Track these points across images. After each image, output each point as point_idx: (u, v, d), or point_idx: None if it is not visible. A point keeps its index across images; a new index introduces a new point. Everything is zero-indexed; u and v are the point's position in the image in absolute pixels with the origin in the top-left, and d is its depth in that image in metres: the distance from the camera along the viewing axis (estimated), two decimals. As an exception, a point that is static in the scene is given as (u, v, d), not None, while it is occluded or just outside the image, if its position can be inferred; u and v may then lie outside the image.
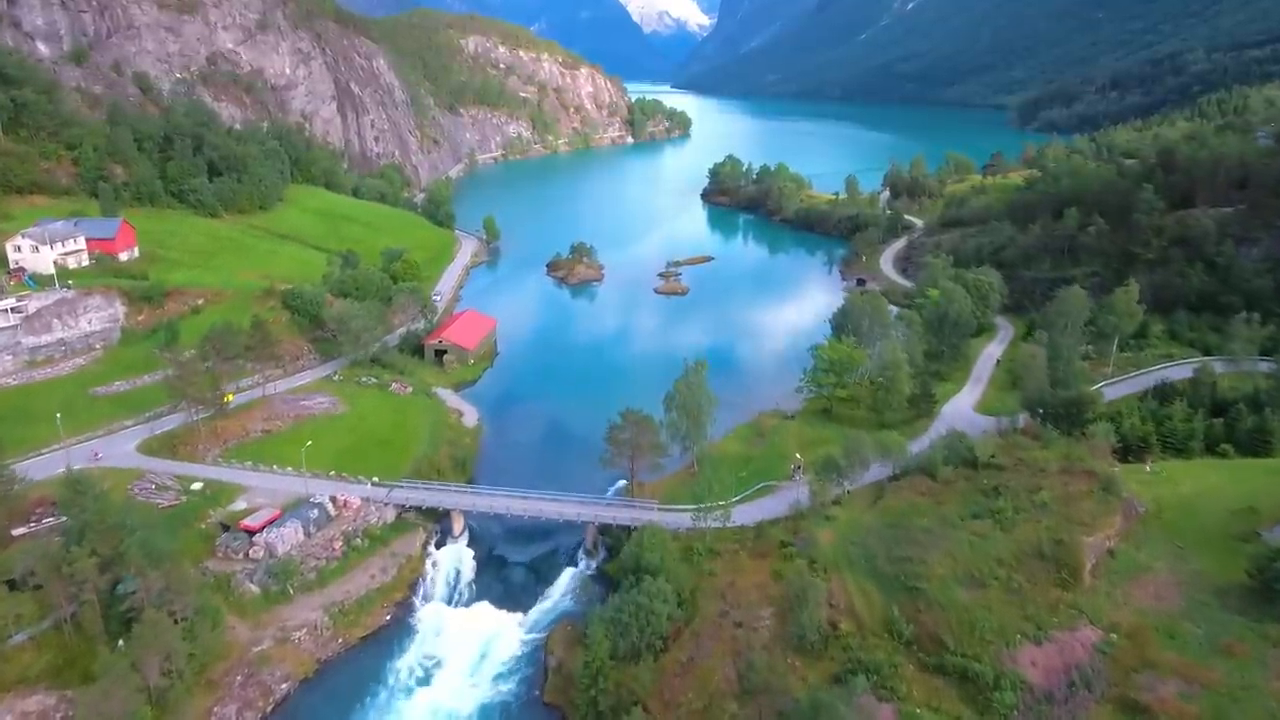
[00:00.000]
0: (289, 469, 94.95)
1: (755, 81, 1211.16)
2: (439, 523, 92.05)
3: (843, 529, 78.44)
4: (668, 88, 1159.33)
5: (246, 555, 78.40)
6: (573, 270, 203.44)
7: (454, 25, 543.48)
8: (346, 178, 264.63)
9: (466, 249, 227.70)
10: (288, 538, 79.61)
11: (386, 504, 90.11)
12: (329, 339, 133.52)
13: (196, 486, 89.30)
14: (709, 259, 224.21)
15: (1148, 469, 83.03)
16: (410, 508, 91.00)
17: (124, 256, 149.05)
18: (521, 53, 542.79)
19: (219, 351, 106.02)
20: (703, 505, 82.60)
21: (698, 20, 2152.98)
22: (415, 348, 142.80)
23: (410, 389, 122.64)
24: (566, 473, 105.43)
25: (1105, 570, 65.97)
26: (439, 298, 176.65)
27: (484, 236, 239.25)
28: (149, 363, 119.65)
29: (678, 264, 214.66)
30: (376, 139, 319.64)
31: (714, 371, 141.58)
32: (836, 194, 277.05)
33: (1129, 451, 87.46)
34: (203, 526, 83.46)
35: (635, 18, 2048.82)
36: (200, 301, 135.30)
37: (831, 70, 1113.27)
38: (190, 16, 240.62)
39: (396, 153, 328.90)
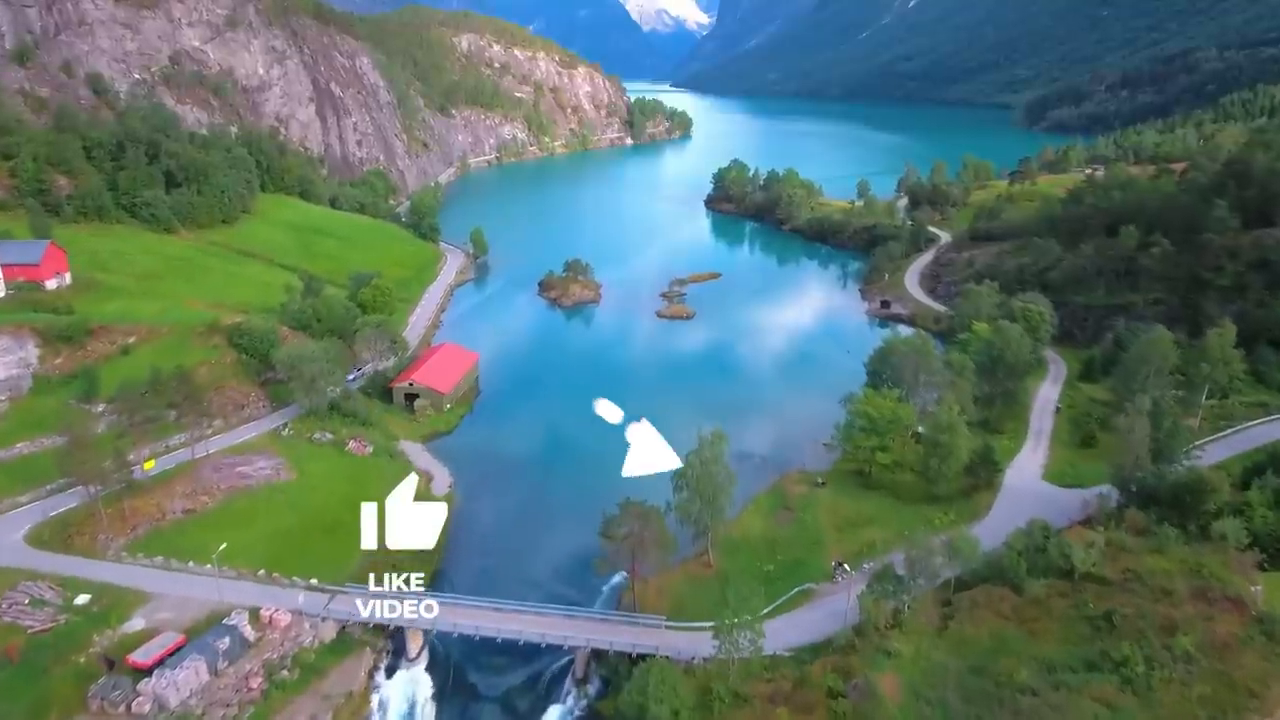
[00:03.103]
0: (209, 566, 76.43)
1: (755, 80, 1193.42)
2: (391, 638, 73.72)
3: (910, 672, 60.04)
4: (667, 86, 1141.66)
5: (129, 709, 59.86)
6: (567, 290, 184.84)
7: (447, 23, 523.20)
8: (324, 185, 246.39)
9: (451, 265, 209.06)
10: (185, 683, 61.06)
11: (324, 618, 71.58)
12: (282, 381, 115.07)
13: (82, 600, 70.64)
14: (715, 276, 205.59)
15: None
16: (355, 623, 72.43)
17: (52, 284, 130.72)
18: (517, 51, 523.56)
19: (131, 414, 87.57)
20: (725, 623, 64.11)
21: (697, 19, 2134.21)
22: (383, 389, 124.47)
23: (370, 448, 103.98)
24: (554, 554, 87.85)
25: (1292, 768, 47.68)
26: (414, 325, 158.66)
27: (471, 250, 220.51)
28: (65, 418, 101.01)
29: (682, 282, 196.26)
30: (359, 143, 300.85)
31: (725, 415, 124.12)
32: (852, 202, 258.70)
33: (1266, 557, 68.80)
34: (81, 660, 64.87)
35: (634, 16, 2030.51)
36: (131, 340, 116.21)
37: (832, 69, 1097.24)
38: (150, 12, 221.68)
39: (381, 157, 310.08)
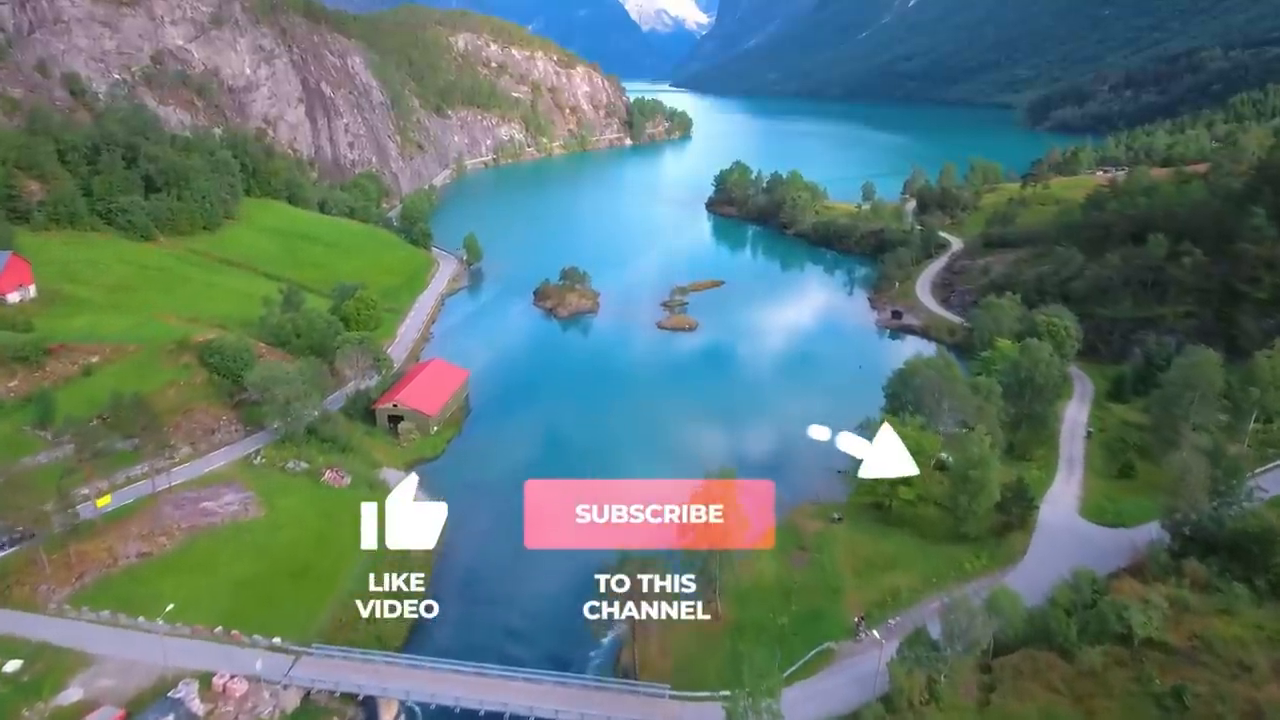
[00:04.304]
0: (160, 621, 68.53)
1: (755, 80, 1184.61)
2: (362, 706, 65.89)
3: (952, 761, 52.38)
4: (666, 86, 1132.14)
5: (53, 805, 52.16)
6: (563, 300, 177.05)
7: (443, 22, 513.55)
8: (313, 189, 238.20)
9: (444, 272, 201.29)
10: (120, 772, 53.31)
11: (287, 685, 63.75)
12: (256, 403, 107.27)
13: (12, 668, 62.82)
14: (719, 283, 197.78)
15: None
16: (321, 690, 64.63)
17: (14, 297, 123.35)
18: (514, 50, 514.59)
19: (82, 447, 79.84)
20: (738, 693, 56.35)
21: (696, 18, 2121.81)
22: (365, 410, 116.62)
23: (348, 479, 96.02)
24: (546, 600, 79.70)
25: None
26: (403, 338, 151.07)
27: (464, 257, 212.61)
28: (18, 445, 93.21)
29: (684, 290, 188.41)
30: (351, 145, 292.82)
31: (731, 437, 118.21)
32: (859, 205, 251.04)
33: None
34: (5, 742, 57.28)
35: (633, 15, 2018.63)
36: (94, 359, 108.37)
37: (832, 69, 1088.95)
38: (131, 9, 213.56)
39: (374, 159, 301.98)
